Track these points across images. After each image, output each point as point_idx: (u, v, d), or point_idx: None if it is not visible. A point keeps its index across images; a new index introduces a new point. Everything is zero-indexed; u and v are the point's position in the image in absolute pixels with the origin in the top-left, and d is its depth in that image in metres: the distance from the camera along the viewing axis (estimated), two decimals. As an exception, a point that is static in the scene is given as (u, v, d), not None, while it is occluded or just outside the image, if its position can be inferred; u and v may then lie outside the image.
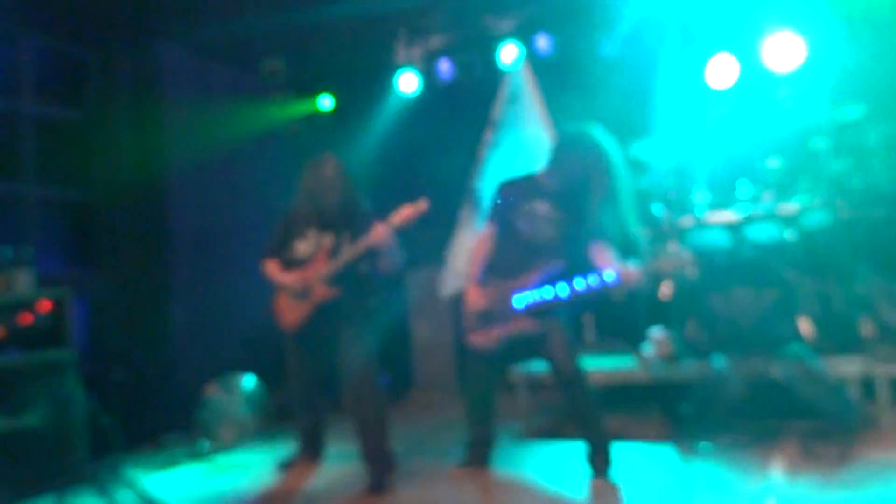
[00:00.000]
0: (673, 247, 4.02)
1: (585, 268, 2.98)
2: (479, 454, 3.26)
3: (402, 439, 3.76)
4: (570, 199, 3.01)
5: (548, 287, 2.92)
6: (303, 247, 3.32)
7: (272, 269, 3.38)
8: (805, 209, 3.81)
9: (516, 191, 3.15)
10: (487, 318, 3.04)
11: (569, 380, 2.95)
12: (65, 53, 4.88)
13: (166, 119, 5.23)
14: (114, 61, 5.08)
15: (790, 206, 3.84)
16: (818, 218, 3.82)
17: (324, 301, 3.21)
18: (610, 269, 2.85)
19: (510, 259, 3.07)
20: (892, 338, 3.51)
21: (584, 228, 3.01)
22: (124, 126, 5.08)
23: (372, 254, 3.19)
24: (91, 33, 4.97)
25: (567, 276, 2.92)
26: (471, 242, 4.46)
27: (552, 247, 3.03)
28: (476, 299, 3.07)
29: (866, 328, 3.55)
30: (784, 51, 4.39)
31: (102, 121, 5.01)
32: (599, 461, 2.94)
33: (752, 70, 4.60)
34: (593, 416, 2.97)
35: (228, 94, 5.75)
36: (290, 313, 3.32)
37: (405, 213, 3.09)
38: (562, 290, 2.89)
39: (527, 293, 2.95)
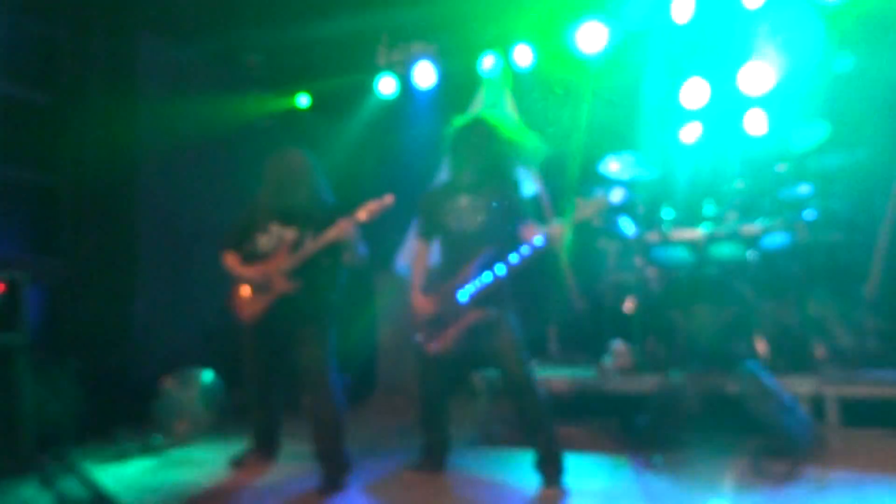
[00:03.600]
0: (638, 261, 4.09)
1: (517, 244, 3.05)
2: (433, 459, 3.26)
3: (359, 440, 3.74)
4: (483, 182, 3.11)
5: (486, 272, 2.96)
6: (264, 240, 3.29)
7: (231, 261, 3.35)
8: (766, 231, 3.89)
9: (434, 197, 3.25)
10: (438, 322, 3.05)
11: (519, 386, 2.96)
12: (37, 34, 4.80)
13: (139, 107, 5.16)
14: (88, 45, 5.01)
15: (752, 227, 3.92)
16: (778, 240, 3.90)
17: (284, 295, 3.18)
18: (537, 235, 2.92)
19: (450, 260, 3.13)
20: (843, 360, 3.59)
21: (506, 205, 3.10)
22: (95, 111, 5.00)
23: (335, 249, 3.18)
24: (66, 15, 4.89)
25: (502, 257, 2.98)
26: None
27: (483, 231, 3.09)
28: (423, 305, 3.10)
29: (819, 350, 3.63)
30: (755, 76, 4.51)
31: (73, 105, 4.92)
32: (550, 469, 2.94)
33: (723, 93, 4.71)
34: (544, 424, 2.97)
35: (205, 86, 5.70)
36: (249, 307, 3.28)
37: (370, 207, 3.09)
38: (499, 269, 2.95)
39: (468, 285, 2.99)
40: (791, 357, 3.62)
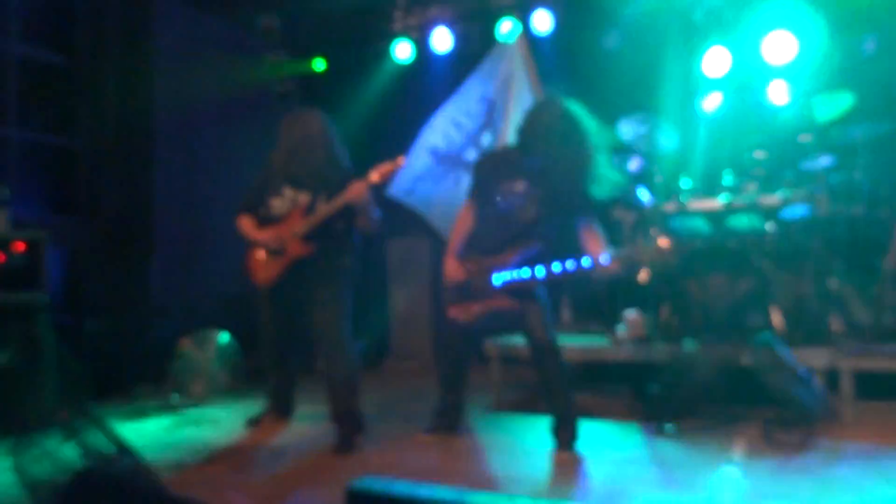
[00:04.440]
0: (654, 232, 4.07)
1: (566, 248, 2.99)
2: (447, 421, 3.30)
3: (373, 405, 3.79)
4: (549, 176, 2.99)
5: (526, 267, 2.93)
6: (278, 204, 3.29)
7: (246, 225, 3.36)
8: (786, 202, 3.85)
9: (494, 167, 3.14)
10: (466, 292, 3.05)
11: (544, 350, 2.98)
12: (54, -2, 4.78)
13: (155, 69, 5.15)
14: (104, 7, 4.98)
15: (772, 199, 3.87)
16: (798, 212, 3.85)
17: (298, 258, 3.20)
18: (588, 255, 2.86)
19: (490, 236, 3.06)
20: (859, 334, 3.57)
21: (564, 206, 3.01)
22: (112, 73, 4.99)
23: (349, 212, 3.18)
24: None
25: (546, 257, 2.93)
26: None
27: (531, 226, 3.02)
28: (454, 271, 3.07)
29: (835, 323, 3.61)
30: (777, 46, 4.42)
31: (90, 67, 4.92)
32: (565, 434, 2.98)
33: (746, 62, 4.62)
34: (564, 389, 3.00)
35: (220, 49, 5.66)
36: (264, 270, 3.30)
37: (383, 169, 3.08)
38: (539, 271, 2.90)
39: (505, 272, 2.96)
40: (807, 330, 3.60)
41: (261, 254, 3.33)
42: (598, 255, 2.84)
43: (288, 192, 3.28)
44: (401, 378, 5.05)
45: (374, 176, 3.08)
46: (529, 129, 3.03)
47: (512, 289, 2.96)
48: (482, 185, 3.13)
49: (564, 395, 3.00)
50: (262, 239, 3.28)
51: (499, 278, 2.98)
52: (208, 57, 5.49)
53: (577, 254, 2.92)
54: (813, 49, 4.36)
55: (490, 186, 3.08)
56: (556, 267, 2.88)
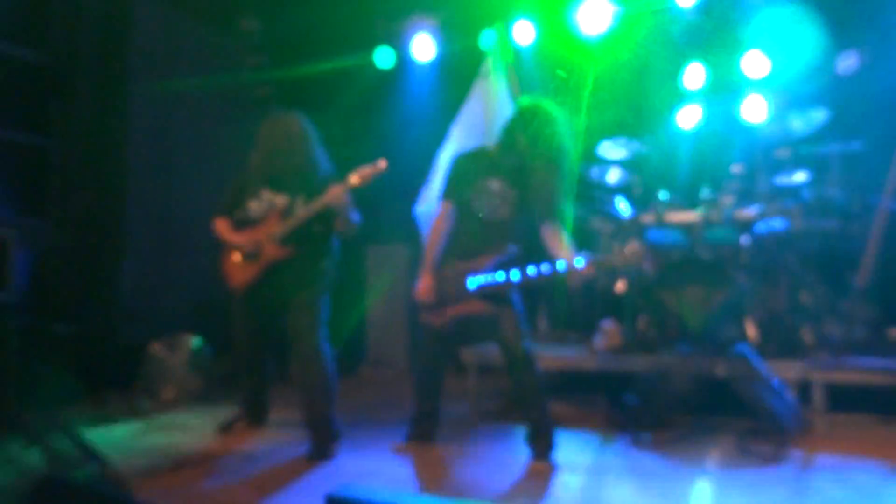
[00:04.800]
0: (632, 242, 4.09)
1: (539, 251, 2.99)
2: (423, 430, 3.26)
3: (348, 412, 3.74)
4: (525, 177, 2.99)
5: (501, 271, 2.91)
6: (255, 206, 3.25)
7: (222, 228, 3.31)
8: (761, 216, 3.90)
9: (470, 165, 3.09)
10: (440, 297, 3.02)
11: (517, 359, 2.96)
12: (29, -9, 4.68)
13: (131, 70, 5.06)
14: (80, 5, 4.90)
15: (747, 212, 3.93)
16: (773, 226, 3.91)
17: (274, 261, 3.16)
18: (562, 259, 2.85)
19: (465, 239, 3.02)
20: (831, 347, 3.62)
21: (538, 209, 3.00)
22: (87, 73, 4.90)
23: (327, 215, 3.14)
24: (58, -28, 4.77)
25: (521, 261, 2.92)
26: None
27: (506, 228, 3.00)
28: (426, 291, 3.00)
29: (808, 336, 3.66)
30: (755, 63, 4.50)
31: (64, 65, 4.82)
32: (540, 444, 2.96)
33: (724, 77, 4.70)
34: (538, 399, 2.98)
35: (199, 52, 5.60)
36: (239, 273, 3.25)
37: (363, 172, 3.05)
38: (514, 275, 2.89)
39: (480, 275, 2.94)
40: (780, 342, 3.65)
41: (236, 257, 3.27)
42: (572, 259, 2.82)
43: (266, 195, 3.24)
44: (377, 385, 5.00)
45: (354, 179, 3.06)
46: (513, 126, 3.01)
47: (486, 292, 2.94)
48: (458, 183, 3.07)
49: (539, 404, 2.98)
50: (238, 242, 3.23)
51: (473, 282, 2.95)
52: (186, 59, 5.42)
53: (545, 258, 2.92)
54: (789, 66, 4.45)
55: (465, 186, 3.04)
56: (531, 270, 2.86)
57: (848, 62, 4.21)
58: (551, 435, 2.97)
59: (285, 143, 3.22)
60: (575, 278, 2.83)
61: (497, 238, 2.98)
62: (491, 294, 2.93)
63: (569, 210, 3.08)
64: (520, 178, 3.00)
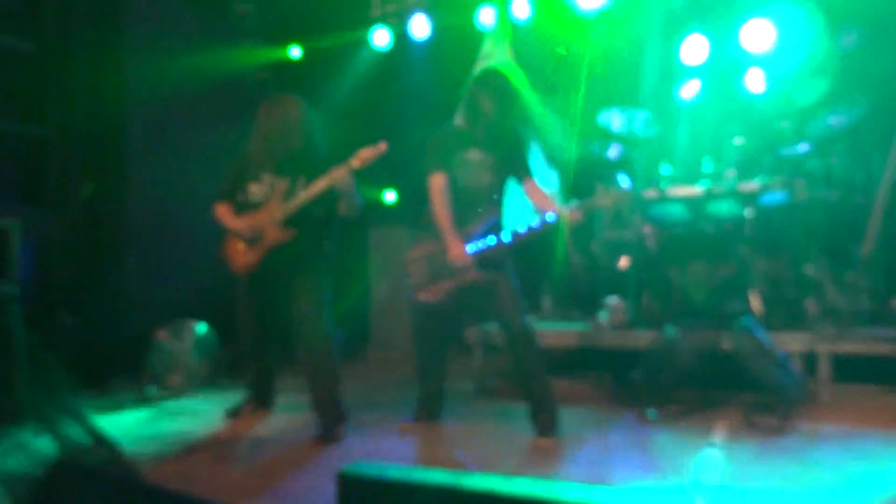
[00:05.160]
0: (636, 219, 4.08)
1: (524, 209, 3.01)
2: (428, 410, 3.28)
3: (355, 393, 3.76)
4: (498, 141, 3.04)
5: (491, 235, 2.91)
6: (256, 190, 3.24)
7: (222, 213, 3.29)
8: (764, 189, 3.88)
9: (445, 142, 3.10)
10: (433, 273, 3.00)
11: (516, 335, 2.96)
12: (19, -20, 4.63)
13: (126, 56, 5.02)
14: (72, -9, 4.84)
15: (750, 185, 3.90)
16: (776, 198, 3.89)
17: (277, 245, 3.15)
18: (550, 210, 2.88)
19: (455, 210, 3.00)
20: (835, 318, 3.63)
21: (513, 168, 3.06)
22: (81, 61, 4.86)
23: (328, 198, 3.13)
24: (49, -41, 4.71)
25: (508, 220, 2.93)
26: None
27: (491, 192, 3.03)
28: (462, 256, 2.90)
29: (812, 308, 3.66)
30: (756, 34, 4.45)
31: (58, 54, 4.77)
32: (544, 420, 2.97)
33: (724, 50, 4.65)
34: (539, 375, 2.98)
35: (194, 36, 5.54)
36: (242, 257, 3.24)
37: (364, 154, 3.04)
38: (505, 235, 2.89)
39: (471, 243, 2.93)
40: (785, 314, 3.65)
41: (238, 241, 3.27)
42: (557, 208, 2.87)
43: (267, 178, 3.23)
44: (382, 367, 5.02)
45: (356, 161, 3.04)
46: (473, 96, 3.05)
47: (480, 259, 2.93)
48: (440, 154, 3.06)
49: (540, 380, 2.98)
50: (240, 228, 3.22)
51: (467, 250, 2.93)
52: (182, 44, 5.37)
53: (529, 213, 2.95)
54: (791, 37, 4.39)
55: (446, 158, 3.05)
56: (522, 228, 2.87)
57: (848, 39, 4.17)
58: (554, 410, 2.98)
59: (284, 126, 3.20)
60: (565, 225, 2.85)
61: (484, 205, 3.00)
62: (485, 260, 2.92)
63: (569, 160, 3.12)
64: (494, 143, 3.05)
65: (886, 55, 4.04)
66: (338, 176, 3.03)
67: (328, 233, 3.27)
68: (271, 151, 3.21)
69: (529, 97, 3.10)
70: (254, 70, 5.86)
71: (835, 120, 3.95)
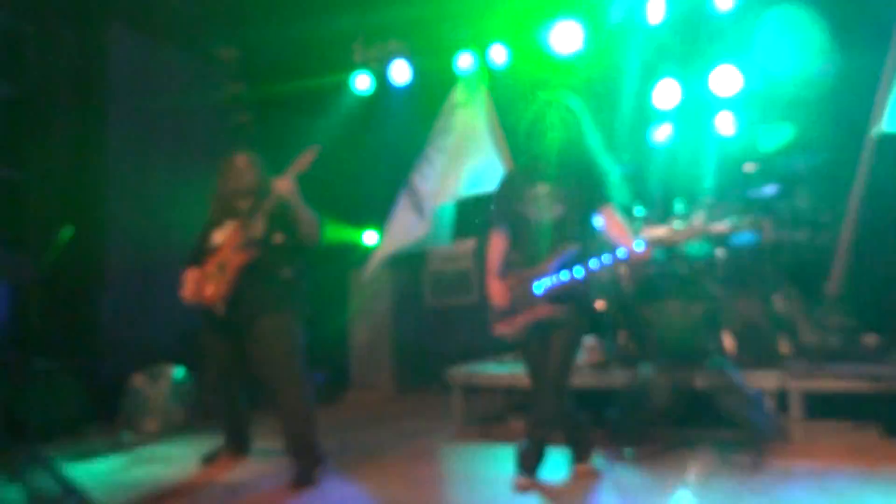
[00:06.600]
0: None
1: (601, 244, 2.97)
2: (529, 462, 3.10)
3: (333, 436, 3.74)
4: (565, 171, 2.98)
5: (565, 270, 2.89)
6: (219, 235, 3.29)
7: (188, 278, 3.30)
8: (734, 229, 3.97)
9: (513, 183, 3.13)
10: (510, 307, 3.00)
11: (546, 384, 2.95)
12: (4, 26, 4.69)
13: (108, 100, 5.09)
14: (56, 38, 4.92)
15: (721, 226, 3.99)
16: (746, 238, 3.99)
17: (241, 268, 3.13)
18: (621, 246, 2.85)
19: (526, 247, 3.02)
20: (807, 356, 3.69)
21: (586, 198, 2.98)
22: (63, 105, 4.91)
23: (283, 218, 3.19)
24: (33, 7, 4.79)
25: (583, 257, 2.89)
26: (403, 232, 4.50)
27: (564, 227, 2.97)
28: (499, 294, 3.01)
29: (784, 346, 3.72)
30: (724, 79, 4.62)
31: (40, 99, 4.82)
32: (580, 450, 3.05)
33: (695, 94, 4.81)
34: (566, 421, 3.03)
35: (177, 79, 5.63)
36: (210, 290, 3.19)
37: (299, 162, 3.15)
38: (578, 272, 2.86)
39: (545, 279, 2.92)
40: (757, 352, 3.70)
41: (200, 273, 3.27)
42: (631, 244, 2.81)
43: (228, 223, 3.28)
44: (362, 409, 4.99)
45: (293, 170, 3.14)
46: (532, 127, 3.02)
47: (553, 294, 2.91)
48: (504, 206, 3.10)
49: (570, 424, 3.05)
50: (205, 272, 3.23)
51: (539, 286, 2.92)
52: (164, 88, 5.45)
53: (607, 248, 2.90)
54: (758, 82, 4.56)
55: (514, 201, 3.06)
56: (594, 263, 2.84)
57: (827, 69, 4.34)
58: (587, 441, 3.05)
59: (237, 174, 3.31)
60: (637, 262, 2.85)
61: (557, 239, 2.94)
62: (558, 295, 2.90)
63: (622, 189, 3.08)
64: (562, 175, 2.99)
65: (849, 102, 4.20)
66: (281, 184, 3.11)
67: (290, 260, 3.26)
68: (229, 200, 3.31)
69: (591, 125, 3.03)
70: (236, 113, 5.94)
71: (800, 163, 4.09)
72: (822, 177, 4.21)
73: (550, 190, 2.99)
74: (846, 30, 4.30)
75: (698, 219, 4.05)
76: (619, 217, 2.96)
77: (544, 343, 2.95)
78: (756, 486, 2.77)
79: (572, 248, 2.92)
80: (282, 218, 3.19)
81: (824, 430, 3.48)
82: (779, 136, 4.28)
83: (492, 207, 3.17)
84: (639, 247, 2.80)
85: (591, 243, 2.94)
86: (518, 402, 4.45)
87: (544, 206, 2.99)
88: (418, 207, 4.56)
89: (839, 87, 4.28)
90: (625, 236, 2.89)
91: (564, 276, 2.89)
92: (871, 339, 3.87)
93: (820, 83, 4.33)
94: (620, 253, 2.83)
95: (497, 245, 3.11)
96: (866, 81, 3.90)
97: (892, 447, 3.24)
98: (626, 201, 3.08)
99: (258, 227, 3.18)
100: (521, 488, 2.89)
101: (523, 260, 3.01)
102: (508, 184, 3.16)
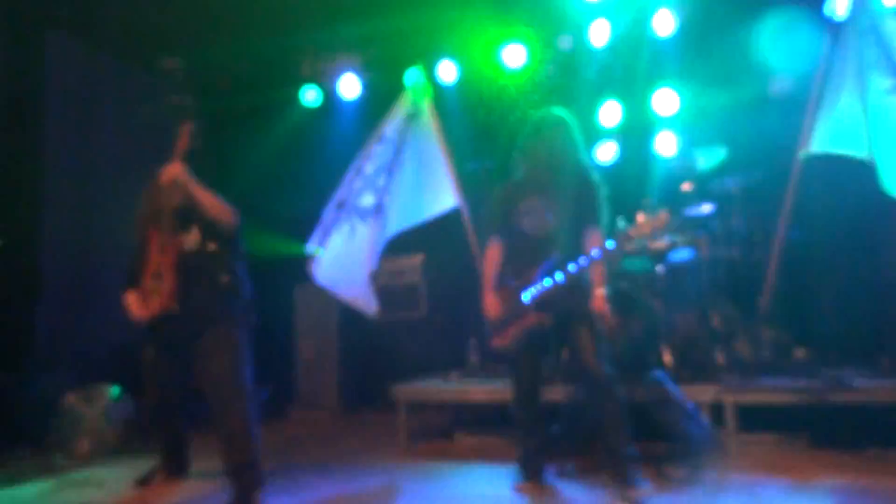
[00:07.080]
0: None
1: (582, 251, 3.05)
2: (533, 467, 3.19)
3: (275, 456, 3.67)
4: (559, 184, 3.08)
5: (547, 277, 2.97)
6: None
7: (130, 301, 3.21)
8: (673, 246, 4.10)
9: (511, 193, 3.21)
10: (504, 319, 3.07)
11: (598, 384, 2.97)
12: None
13: (48, 110, 4.94)
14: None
15: (660, 243, 4.12)
16: (683, 255, 4.11)
17: (175, 265, 3.08)
18: (596, 248, 2.95)
19: (518, 257, 3.11)
20: (742, 369, 3.81)
21: (582, 213, 3.09)
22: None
23: (206, 226, 3.14)
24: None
25: (565, 262, 2.97)
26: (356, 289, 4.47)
27: (555, 238, 3.06)
28: (493, 308, 3.09)
29: (720, 359, 3.84)
30: (664, 100, 4.78)
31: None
32: (618, 475, 2.95)
33: (637, 115, 4.96)
34: (617, 426, 2.96)
35: (120, 90, 5.50)
36: (153, 301, 3.10)
37: (179, 143, 3.18)
38: (558, 276, 2.95)
39: (531, 287, 3.00)
40: (694, 366, 3.80)
41: (138, 293, 3.19)
42: (603, 245, 2.92)
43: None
44: (307, 427, 4.92)
45: (177, 154, 3.13)
46: (529, 142, 3.15)
47: (540, 302, 2.98)
48: (500, 214, 3.20)
49: (617, 431, 2.97)
50: (145, 287, 3.15)
51: (526, 296, 3.01)
52: (106, 99, 5.32)
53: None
54: (693, 103, 4.73)
55: (511, 212, 3.15)
56: (572, 268, 2.93)
57: (780, 84, 4.52)
58: (626, 464, 2.95)
59: (164, 194, 3.20)
60: (613, 259, 2.91)
61: (547, 250, 3.04)
62: (544, 302, 2.98)
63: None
64: (555, 188, 3.09)
65: (779, 121, 4.39)
66: (171, 172, 3.08)
67: (231, 267, 3.19)
68: (157, 218, 3.23)
69: (583, 141, 3.16)
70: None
71: (733, 183, 4.25)
72: (754, 196, 4.38)
73: (543, 203, 3.10)
74: (778, 55, 4.50)
75: (640, 216, 4.16)
76: (601, 239, 3.08)
77: (542, 352, 3.10)
78: (692, 498, 2.84)
79: (555, 255, 3.02)
80: (212, 226, 3.13)
81: (757, 443, 3.60)
82: (712, 157, 4.44)
83: (495, 212, 3.25)
84: (610, 245, 2.93)
85: (578, 252, 3.03)
86: (466, 418, 4.46)
87: (537, 218, 3.11)
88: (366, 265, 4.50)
89: (769, 110, 4.48)
90: (598, 244, 3.03)
91: (547, 282, 2.99)
92: (801, 353, 4.03)
93: (752, 105, 4.53)
94: (595, 253, 2.96)
95: (494, 256, 3.21)
96: (795, 104, 4.10)
97: (820, 458, 3.36)
98: (610, 220, 3.17)
99: (191, 238, 3.12)
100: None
101: (516, 271, 3.10)
102: (504, 196, 3.24)
